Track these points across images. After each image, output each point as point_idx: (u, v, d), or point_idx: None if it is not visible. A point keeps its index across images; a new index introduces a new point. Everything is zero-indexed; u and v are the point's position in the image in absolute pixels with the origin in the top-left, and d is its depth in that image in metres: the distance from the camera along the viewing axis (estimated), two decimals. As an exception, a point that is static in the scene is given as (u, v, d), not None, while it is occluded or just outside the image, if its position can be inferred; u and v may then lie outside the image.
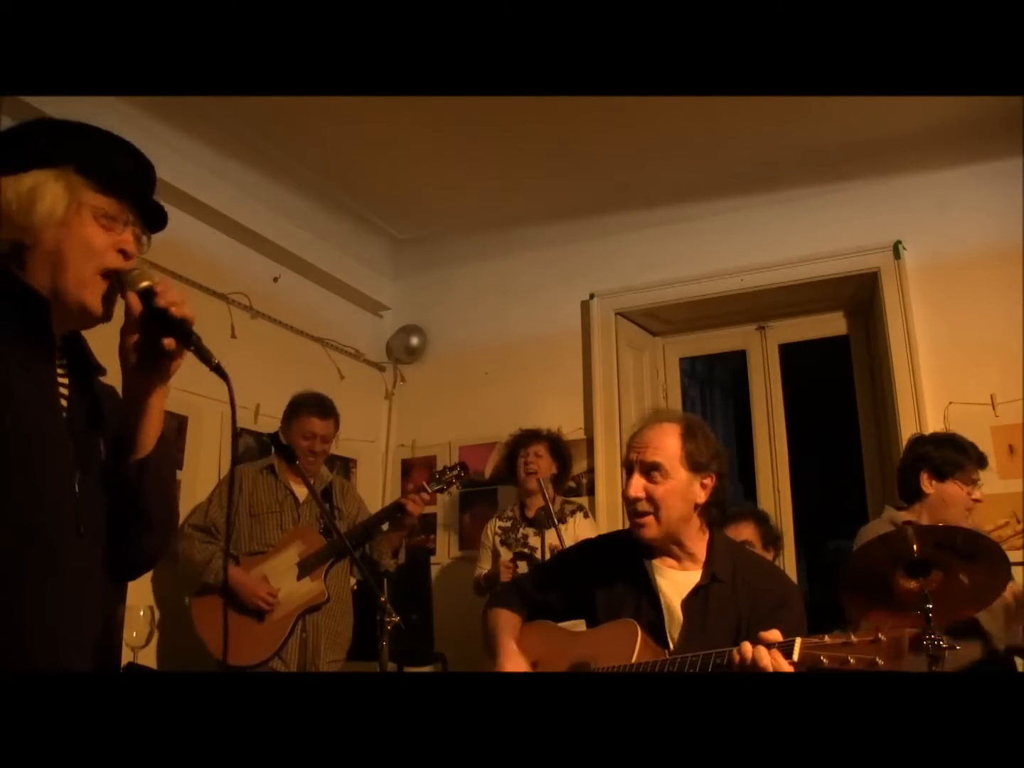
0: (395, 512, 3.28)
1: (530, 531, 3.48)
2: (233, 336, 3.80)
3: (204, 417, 3.51)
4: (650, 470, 1.77)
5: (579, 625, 1.94)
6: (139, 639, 2.33)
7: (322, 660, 3.17)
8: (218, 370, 1.15)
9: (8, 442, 1.05)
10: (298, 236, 4.19)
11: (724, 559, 1.79)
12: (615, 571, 1.85)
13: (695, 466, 1.78)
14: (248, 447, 3.77)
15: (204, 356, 1.14)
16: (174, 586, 3.30)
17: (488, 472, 4.42)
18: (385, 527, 3.38)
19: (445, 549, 4.43)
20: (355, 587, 3.47)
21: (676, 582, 1.79)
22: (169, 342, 1.14)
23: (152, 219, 1.25)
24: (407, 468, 4.64)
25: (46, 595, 1.08)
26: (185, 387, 3.45)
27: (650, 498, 1.76)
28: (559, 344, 4.43)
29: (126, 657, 2.41)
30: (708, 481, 1.80)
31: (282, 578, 3.17)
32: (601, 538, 2.10)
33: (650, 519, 1.77)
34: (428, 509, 4.32)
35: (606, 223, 4.35)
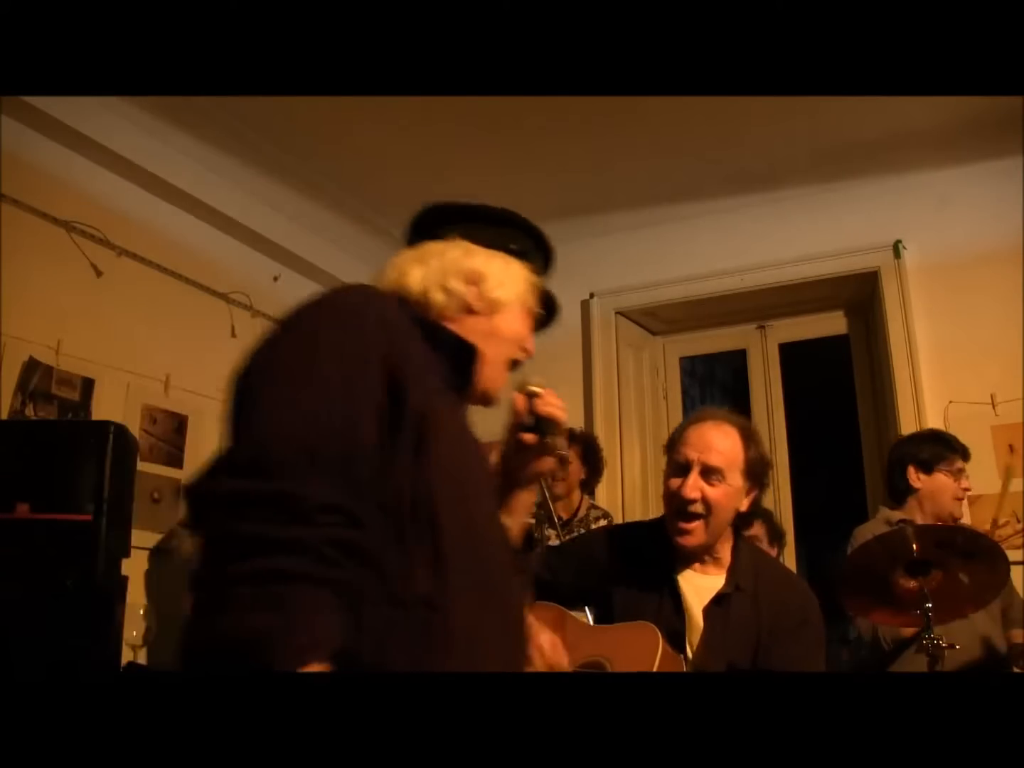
0: None
1: (552, 532, 3.45)
2: (233, 335, 3.79)
3: (204, 417, 3.50)
4: (710, 472, 1.70)
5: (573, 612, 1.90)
6: (139, 639, 2.34)
7: None
8: (561, 460, 1.26)
9: (484, 491, 1.10)
10: (298, 236, 4.18)
11: (748, 567, 1.75)
12: (639, 566, 1.79)
13: (752, 475, 1.73)
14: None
15: (553, 447, 1.23)
16: (173, 585, 3.30)
17: (488, 472, 4.41)
18: None
19: (445, 549, 4.41)
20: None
21: (698, 586, 1.75)
22: (530, 437, 1.22)
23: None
24: (407, 468, 4.62)
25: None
26: (185, 387, 3.46)
27: (704, 500, 1.70)
28: (559, 343, 4.41)
29: (126, 656, 2.41)
30: (755, 492, 1.76)
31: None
32: (626, 528, 1.98)
33: (699, 525, 1.70)
34: (428, 509, 4.31)
35: (606, 222, 4.34)
